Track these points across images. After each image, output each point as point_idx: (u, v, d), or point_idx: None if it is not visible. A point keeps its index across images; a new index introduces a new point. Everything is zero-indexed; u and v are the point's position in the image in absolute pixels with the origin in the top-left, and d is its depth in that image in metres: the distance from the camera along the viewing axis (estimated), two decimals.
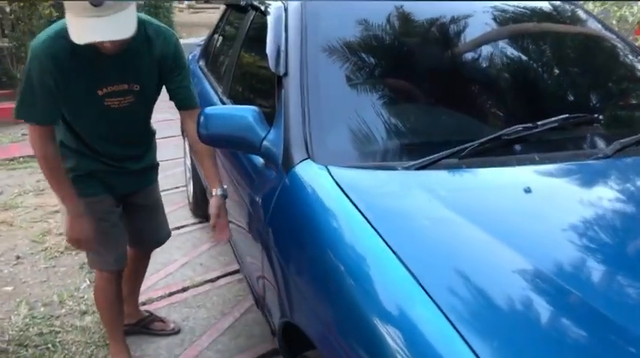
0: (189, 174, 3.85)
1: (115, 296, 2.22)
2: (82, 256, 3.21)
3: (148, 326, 2.56)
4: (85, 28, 1.60)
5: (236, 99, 2.46)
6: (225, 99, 2.56)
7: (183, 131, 3.63)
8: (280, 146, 1.74)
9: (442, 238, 1.28)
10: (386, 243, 1.25)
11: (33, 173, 4.62)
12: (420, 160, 1.56)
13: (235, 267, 3.03)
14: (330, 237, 1.39)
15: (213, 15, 22.82)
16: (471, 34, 2.04)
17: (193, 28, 17.80)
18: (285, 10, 2.11)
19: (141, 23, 1.80)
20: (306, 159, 1.64)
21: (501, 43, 2.06)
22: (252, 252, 1.92)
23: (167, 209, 3.92)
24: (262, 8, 2.38)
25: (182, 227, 3.64)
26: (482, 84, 1.98)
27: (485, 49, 2.01)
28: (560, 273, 1.18)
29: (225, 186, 2.04)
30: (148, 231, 2.33)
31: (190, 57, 4.08)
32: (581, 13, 2.38)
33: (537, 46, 2.18)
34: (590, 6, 5.14)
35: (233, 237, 2.37)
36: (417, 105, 1.89)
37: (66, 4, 1.62)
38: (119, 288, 2.24)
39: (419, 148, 1.70)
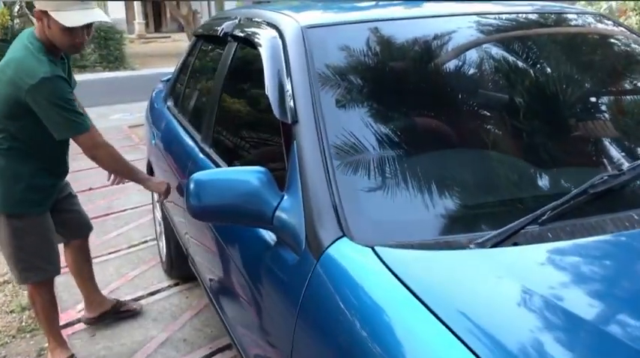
0: (159, 228, 3.37)
1: (51, 300, 2.42)
2: (39, 340, 2.72)
3: (118, 311, 2.84)
4: (82, 16, 2.01)
5: (221, 149, 2.03)
6: (206, 147, 2.12)
7: None
8: (301, 218, 1.32)
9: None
10: None
11: None
12: (494, 233, 1.16)
13: (225, 341, 2.57)
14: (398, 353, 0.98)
15: (164, 44, 22.36)
16: (528, 56, 1.68)
17: (146, 58, 17.24)
18: (282, 38, 1.71)
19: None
20: (341, 237, 1.22)
21: (564, 60, 1.70)
22: (270, 341, 1.50)
23: (137, 270, 3.46)
24: (249, 39, 1.96)
25: (156, 292, 3.15)
26: (545, 118, 1.60)
27: (543, 72, 1.66)
28: None
29: None
30: (81, 216, 2.60)
31: (154, 94, 3.63)
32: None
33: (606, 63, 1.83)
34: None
35: (226, 313, 1.93)
36: (478, 152, 1.48)
37: (53, 3, 1.99)
38: (53, 293, 2.43)
39: (485, 212, 1.31)
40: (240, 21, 2.20)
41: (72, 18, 1.97)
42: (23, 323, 2.86)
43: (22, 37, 2.13)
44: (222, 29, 2.29)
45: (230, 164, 1.88)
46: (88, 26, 2.08)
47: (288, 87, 1.55)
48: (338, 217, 1.25)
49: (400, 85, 1.63)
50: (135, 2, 23.64)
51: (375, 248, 1.16)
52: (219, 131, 2.08)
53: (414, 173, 1.34)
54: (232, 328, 1.91)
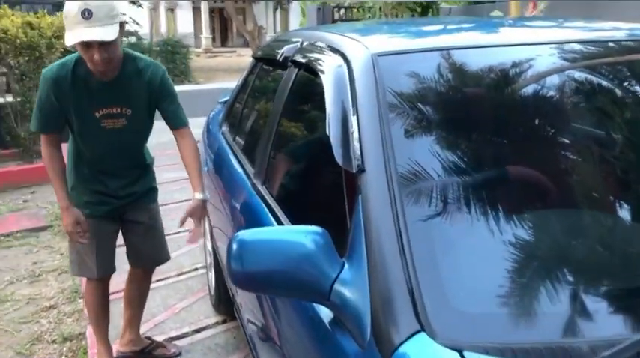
0: (210, 260, 3.17)
1: (99, 301, 2.47)
2: None
3: (151, 352, 2.69)
4: (76, 34, 1.94)
5: (273, 190, 1.79)
6: (258, 184, 1.89)
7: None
8: (365, 297, 1.05)
9: None
10: None
11: (29, 252, 3.99)
12: (628, 342, 0.85)
13: None
14: None
15: (229, 59, 22.75)
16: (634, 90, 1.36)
17: (210, 72, 17.49)
18: (349, 67, 1.46)
19: (133, 58, 2.20)
20: (419, 331, 0.94)
21: None
22: None
23: (184, 301, 3.26)
24: (310, 65, 1.72)
25: (202, 329, 2.93)
26: None
27: None
28: None
29: (206, 193, 2.24)
30: (144, 248, 2.50)
31: (211, 116, 3.46)
32: None
33: None
34: None
35: None
36: (595, 217, 1.17)
37: (65, 21, 1.99)
38: (105, 296, 2.49)
39: (611, 306, 0.99)
40: (302, 44, 1.96)
41: (68, 37, 1.97)
42: (63, 357, 2.71)
43: None
44: (283, 53, 2.06)
45: (284, 207, 1.64)
46: (103, 44, 1.95)
47: (354, 126, 1.29)
48: (414, 303, 0.97)
49: (492, 126, 1.34)
50: (203, 17, 24.19)
51: (464, 352, 0.88)
52: (273, 168, 1.85)
53: (515, 245, 1.04)
54: None
